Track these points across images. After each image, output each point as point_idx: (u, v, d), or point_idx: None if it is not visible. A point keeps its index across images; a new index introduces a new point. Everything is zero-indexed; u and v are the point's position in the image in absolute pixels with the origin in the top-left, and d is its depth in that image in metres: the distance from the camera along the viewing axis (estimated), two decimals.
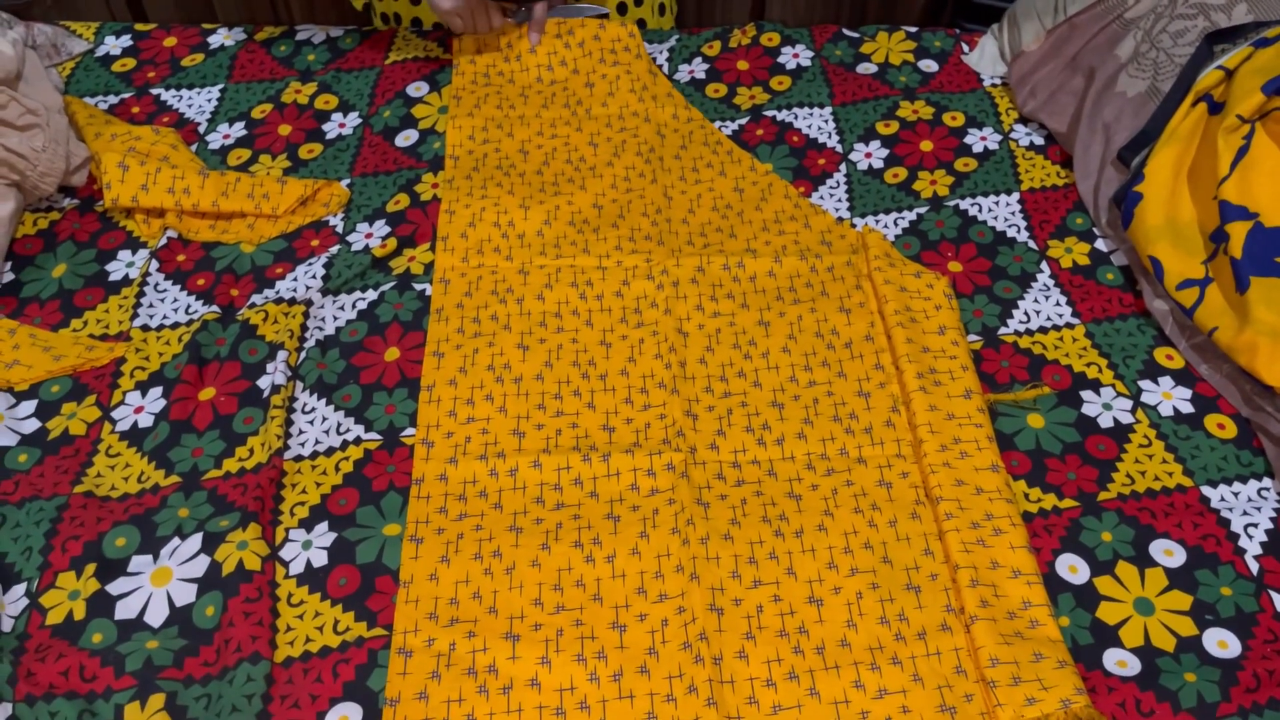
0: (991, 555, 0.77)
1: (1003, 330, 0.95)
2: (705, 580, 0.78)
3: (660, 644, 0.75)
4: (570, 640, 0.75)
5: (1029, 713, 0.69)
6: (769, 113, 1.16)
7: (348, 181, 1.10)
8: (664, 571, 0.79)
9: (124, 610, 0.77)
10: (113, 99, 1.20)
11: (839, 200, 1.07)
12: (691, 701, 0.72)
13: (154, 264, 1.02)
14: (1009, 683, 0.70)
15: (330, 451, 0.87)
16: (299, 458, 0.87)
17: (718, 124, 1.16)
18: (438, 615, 0.77)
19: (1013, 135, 1.13)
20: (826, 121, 1.15)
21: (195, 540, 0.81)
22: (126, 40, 1.27)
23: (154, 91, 1.21)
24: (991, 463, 0.82)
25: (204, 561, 0.79)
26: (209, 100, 1.20)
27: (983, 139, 1.12)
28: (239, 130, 1.16)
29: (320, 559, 0.80)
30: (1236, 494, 0.82)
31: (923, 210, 1.06)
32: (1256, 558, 0.79)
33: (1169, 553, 0.79)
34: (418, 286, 0.99)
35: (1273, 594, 0.77)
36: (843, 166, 1.11)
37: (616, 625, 0.76)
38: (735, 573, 0.79)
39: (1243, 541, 0.79)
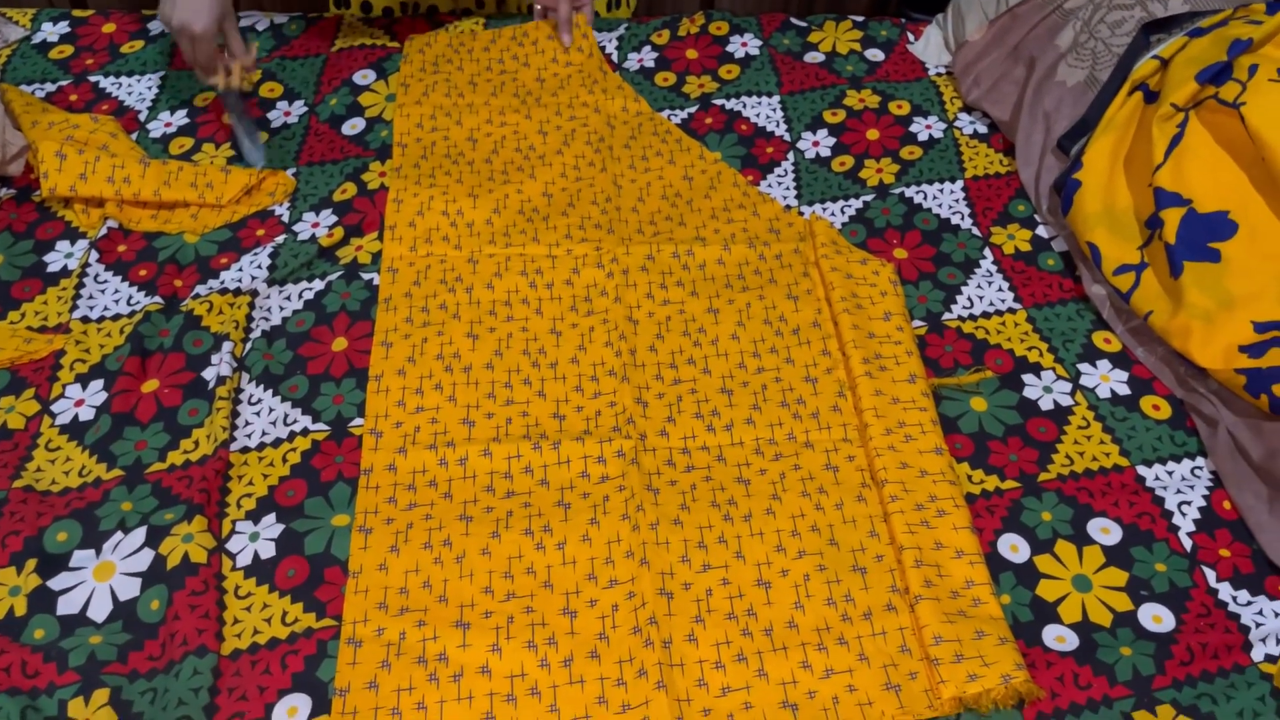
0: (935, 536, 0.79)
1: (946, 315, 0.96)
2: (655, 565, 0.78)
3: (610, 629, 0.75)
4: (521, 627, 0.76)
5: (970, 688, 0.70)
6: (718, 101, 1.17)
7: (294, 171, 1.09)
8: (614, 557, 0.79)
9: (66, 605, 0.76)
10: (50, 86, 1.17)
11: (787, 188, 1.08)
12: (641, 685, 0.72)
13: (93, 255, 1.00)
14: (952, 660, 0.72)
15: (277, 443, 0.86)
16: (246, 449, 0.86)
17: (666, 112, 1.16)
18: (387, 605, 0.77)
19: (957, 124, 1.14)
20: (775, 110, 1.16)
21: (139, 534, 0.80)
22: (64, 27, 1.25)
23: (92, 79, 1.19)
24: (935, 446, 0.84)
25: (148, 555, 0.78)
26: (149, 88, 1.18)
27: (928, 127, 1.14)
28: (181, 118, 1.14)
29: (268, 551, 0.80)
30: (1171, 473, 0.85)
31: (869, 198, 1.07)
32: (1190, 534, 0.81)
33: (1106, 531, 0.81)
34: (365, 276, 0.98)
35: (1205, 569, 0.79)
36: (790, 155, 1.12)
37: (567, 611, 0.77)
38: (685, 557, 0.79)
39: (1176, 519, 0.82)
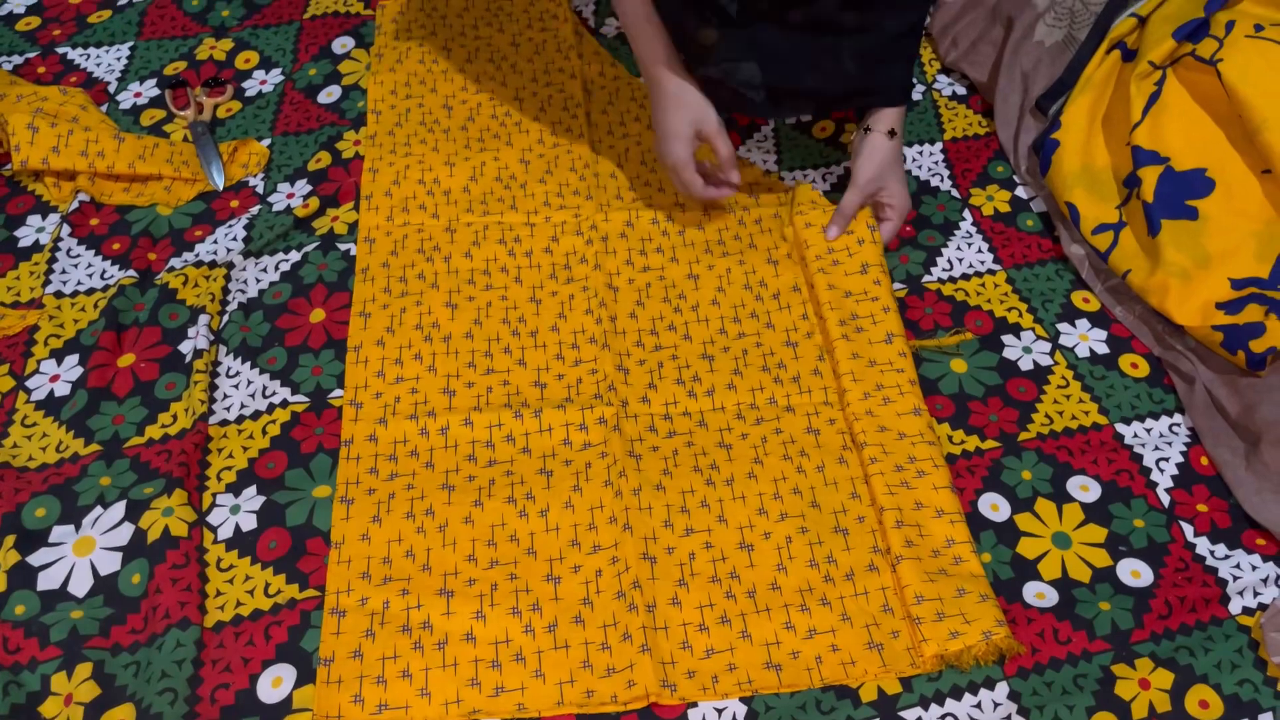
0: (915, 496, 0.79)
1: (926, 278, 0.96)
2: (638, 530, 0.78)
3: (594, 594, 0.76)
4: (505, 594, 0.76)
5: (952, 645, 0.71)
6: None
7: (268, 141, 1.07)
8: (597, 523, 0.79)
9: (46, 581, 0.76)
10: (17, 59, 1.15)
11: (767, 152, 1.08)
12: (626, 649, 0.73)
13: (65, 228, 0.99)
14: (934, 619, 0.72)
15: (256, 415, 0.86)
16: (225, 422, 0.85)
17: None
18: (370, 574, 0.77)
19: (936, 85, 1.14)
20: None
21: (118, 508, 0.79)
22: None
23: (60, 50, 1.17)
24: (914, 406, 0.84)
25: (128, 529, 0.78)
26: (118, 59, 1.16)
27: None
28: (151, 89, 1.12)
29: (249, 523, 0.80)
30: (1149, 430, 0.85)
31: (849, 163, 1.06)
32: (1168, 490, 0.82)
33: (1085, 488, 0.82)
34: (342, 246, 0.98)
35: (1183, 524, 0.80)
36: (770, 120, 1.11)
37: (551, 578, 0.77)
38: (668, 522, 0.79)
39: (1154, 475, 0.82)
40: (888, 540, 0.77)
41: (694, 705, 0.71)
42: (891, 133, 0.92)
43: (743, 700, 0.71)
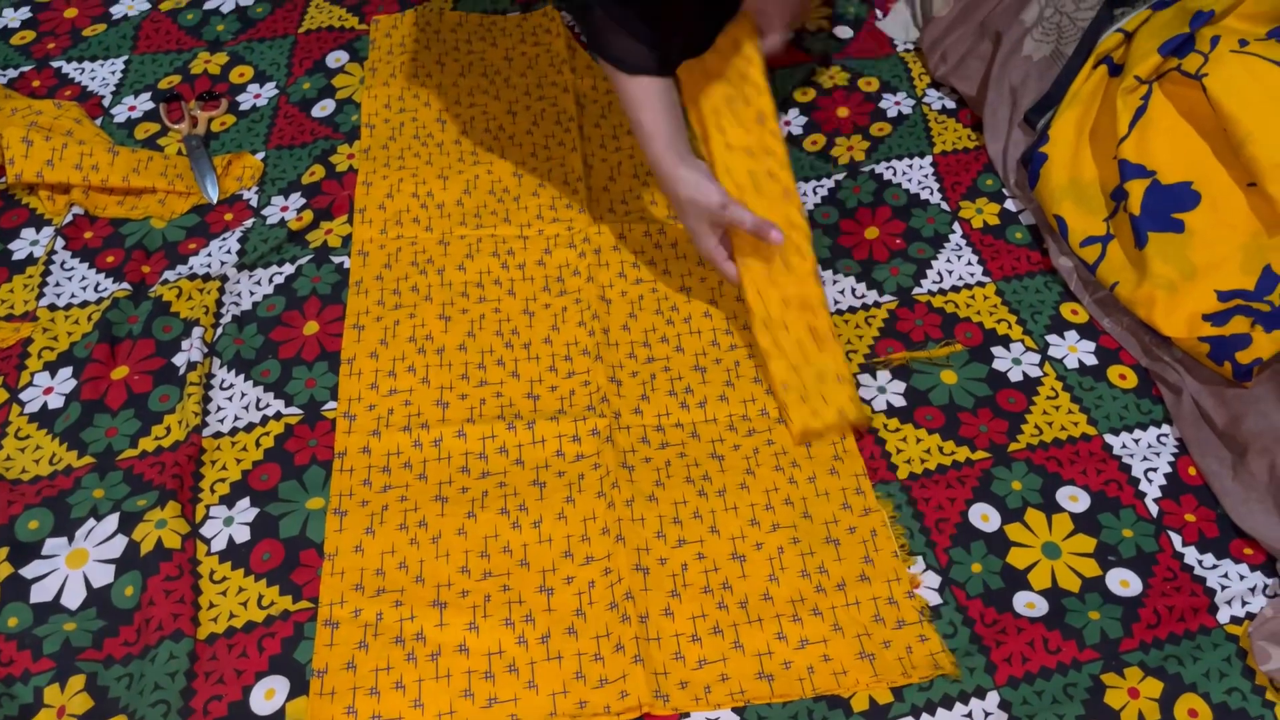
0: (782, 293, 0.84)
1: (917, 290, 0.97)
2: (631, 541, 0.79)
3: (587, 605, 0.76)
4: (498, 605, 0.76)
5: (813, 422, 0.82)
6: None
7: (262, 154, 1.08)
8: (590, 534, 0.80)
9: (39, 593, 0.76)
10: (12, 73, 1.16)
11: None
12: (619, 660, 0.73)
13: (59, 241, 0.99)
14: (798, 401, 0.84)
15: (250, 427, 0.86)
16: (218, 434, 0.86)
17: None
18: (364, 586, 0.77)
19: (925, 99, 1.15)
20: None
21: (111, 521, 0.79)
22: (25, 12, 1.23)
23: (55, 64, 1.17)
24: (783, 189, 0.88)
25: (121, 542, 0.78)
26: (112, 72, 1.16)
27: (897, 103, 1.14)
28: (145, 103, 1.13)
29: (242, 535, 0.80)
30: (1137, 440, 0.86)
31: (840, 177, 1.07)
32: (1156, 500, 0.82)
33: (1074, 499, 0.82)
34: (336, 259, 0.98)
35: (1171, 534, 0.80)
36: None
37: (544, 589, 0.77)
38: (660, 533, 0.80)
39: (1143, 486, 0.83)
40: (756, 340, 0.85)
41: (686, 715, 0.71)
42: None
43: (735, 710, 0.71)
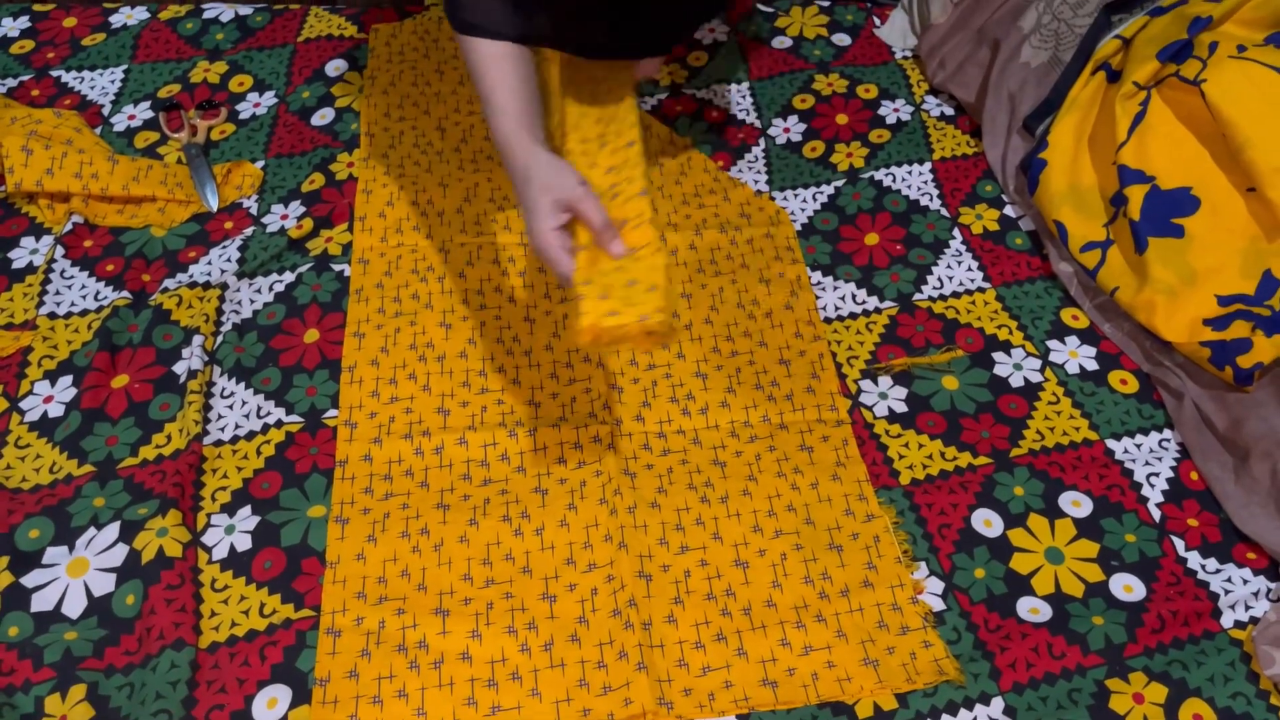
0: (609, 209, 0.75)
1: (917, 296, 0.97)
2: (633, 548, 0.78)
3: (590, 612, 0.76)
4: (500, 613, 0.76)
5: (607, 322, 0.68)
6: (688, 91, 1.17)
7: (262, 163, 1.08)
8: (592, 541, 0.79)
9: (40, 602, 0.76)
10: (11, 82, 1.16)
11: (758, 173, 1.09)
12: (622, 667, 0.72)
13: (59, 250, 0.99)
14: (597, 297, 0.70)
15: (251, 435, 0.86)
16: (219, 443, 0.85)
17: None
18: (366, 594, 0.76)
19: (924, 106, 1.15)
20: (744, 96, 1.16)
21: (112, 529, 0.79)
22: (25, 21, 1.23)
23: (54, 73, 1.17)
24: (628, 140, 0.82)
25: (122, 550, 0.78)
26: (112, 81, 1.16)
27: (896, 110, 1.14)
28: (144, 111, 1.13)
29: (244, 543, 0.79)
30: (1139, 445, 0.86)
31: (840, 183, 1.08)
32: (1158, 505, 0.82)
33: (1077, 504, 0.82)
34: (336, 267, 0.98)
35: (1174, 539, 0.80)
36: (761, 141, 1.12)
37: (546, 596, 0.77)
38: (663, 539, 0.80)
39: (1145, 490, 0.83)
40: (582, 274, 0.72)
41: None
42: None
43: (739, 718, 0.71)
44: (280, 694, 0.72)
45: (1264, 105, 0.86)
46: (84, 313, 0.94)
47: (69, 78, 1.17)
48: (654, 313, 0.69)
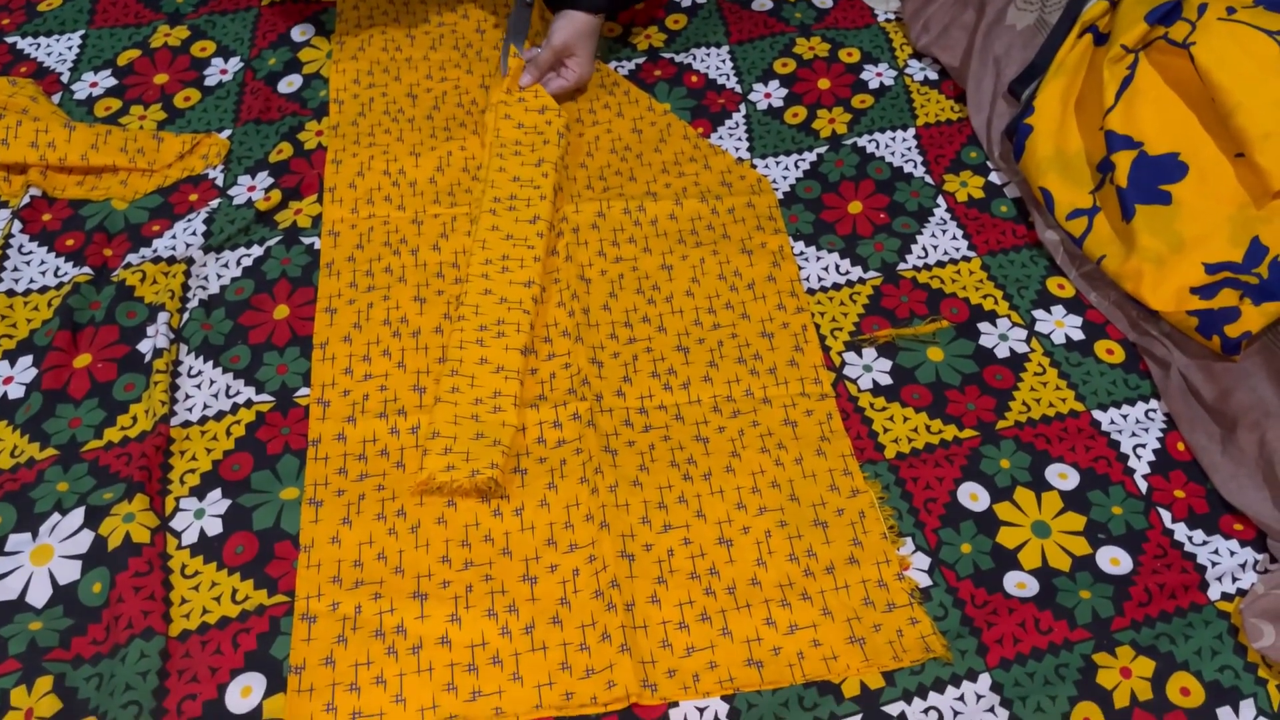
0: (484, 353, 0.84)
1: (901, 265, 0.95)
2: (615, 527, 0.77)
3: (572, 594, 0.74)
4: (480, 595, 0.74)
5: (442, 477, 0.77)
6: (666, 55, 1.14)
7: (228, 132, 1.04)
8: (573, 521, 0.78)
9: (3, 592, 0.73)
10: None
11: (739, 140, 1.06)
12: (605, 649, 0.71)
13: (16, 224, 0.96)
14: (439, 451, 0.78)
15: (220, 416, 0.83)
16: (187, 424, 0.83)
17: (613, 64, 1.13)
18: (341, 578, 0.75)
19: (908, 71, 1.13)
20: (724, 61, 1.14)
21: (77, 515, 0.77)
22: None
23: (9, 40, 1.13)
24: (527, 279, 0.89)
25: (88, 537, 0.75)
26: (69, 47, 1.12)
27: (879, 75, 1.12)
28: (106, 78, 1.09)
29: (215, 527, 0.77)
30: (1125, 416, 0.85)
31: (822, 150, 1.05)
32: (1145, 477, 0.81)
33: (1063, 476, 0.81)
34: (306, 240, 0.95)
35: (1160, 510, 0.80)
36: (742, 107, 1.09)
37: (527, 578, 0.75)
38: (645, 518, 0.78)
39: (1132, 462, 0.82)
40: (439, 388, 0.82)
41: (675, 705, 0.70)
42: (595, 10, 1.02)
43: (724, 699, 0.70)
44: (254, 682, 0.70)
45: (1254, 69, 0.85)
46: (43, 289, 0.91)
47: (25, 44, 1.12)
48: (486, 468, 0.77)
